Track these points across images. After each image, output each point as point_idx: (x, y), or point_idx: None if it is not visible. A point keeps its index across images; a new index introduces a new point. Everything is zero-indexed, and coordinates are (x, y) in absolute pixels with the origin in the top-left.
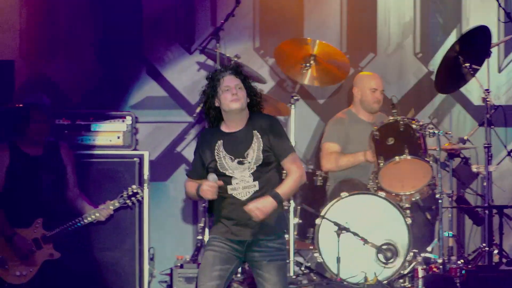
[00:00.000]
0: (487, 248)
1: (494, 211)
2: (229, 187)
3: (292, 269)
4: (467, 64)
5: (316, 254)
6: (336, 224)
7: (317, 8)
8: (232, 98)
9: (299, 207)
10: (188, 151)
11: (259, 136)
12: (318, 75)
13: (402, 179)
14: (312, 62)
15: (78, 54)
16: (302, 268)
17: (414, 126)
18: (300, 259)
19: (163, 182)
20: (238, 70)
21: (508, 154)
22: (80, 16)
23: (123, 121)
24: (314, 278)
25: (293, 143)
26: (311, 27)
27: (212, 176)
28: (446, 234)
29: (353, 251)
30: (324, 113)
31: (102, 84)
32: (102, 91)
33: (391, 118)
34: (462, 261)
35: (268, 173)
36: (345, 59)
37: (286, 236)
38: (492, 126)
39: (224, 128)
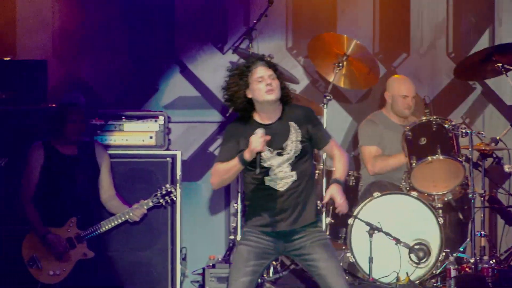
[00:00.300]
0: None
1: None
2: (266, 178)
3: None
4: (500, 64)
5: (348, 254)
6: (368, 224)
7: (350, 7)
8: (266, 89)
9: (331, 207)
10: None
11: (296, 127)
12: (350, 76)
13: (434, 179)
14: (344, 62)
15: (111, 54)
16: None
17: (446, 126)
18: None
19: (196, 182)
20: (268, 61)
21: None
22: (113, 15)
23: (155, 121)
24: (346, 278)
25: None
26: (343, 27)
27: (259, 130)
28: (478, 234)
29: (385, 251)
30: (356, 113)
31: (134, 84)
32: (135, 91)
33: (424, 118)
34: (494, 261)
35: (305, 163)
36: (377, 61)
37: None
38: None
39: (258, 119)
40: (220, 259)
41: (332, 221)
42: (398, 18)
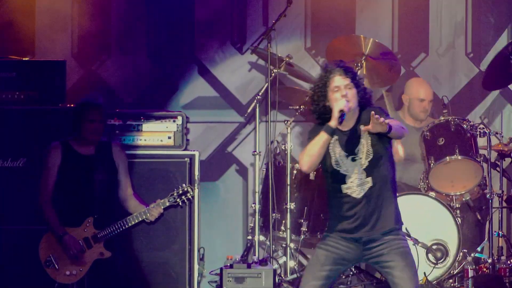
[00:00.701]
0: None
1: None
2: (343, 186)
3: None
4: None
5: None
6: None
7: (368, 7)
8: (341, 99)
9: None
10: (239, 151)
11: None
12: (369, 75)
13: (452, 179)
14: (363, 61)
15: (129, 54)
16: (352, 268)
17: (465, 126)
18: None
19: (214, 182)
20: (346, 70)
21: None
22: (132, 16)
23: (174, 121)
24: (364, 278)
25: None
26: (362, 27)
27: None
28: (496, 234)
29: None
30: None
31: (153, 84)
32: (154, 91)
33: (442, 118)
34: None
35: (381, 167)
36: (397, 60)
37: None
38: None
39: (338, 125)
40: (237, 259)
41: None
42: (417, 18)
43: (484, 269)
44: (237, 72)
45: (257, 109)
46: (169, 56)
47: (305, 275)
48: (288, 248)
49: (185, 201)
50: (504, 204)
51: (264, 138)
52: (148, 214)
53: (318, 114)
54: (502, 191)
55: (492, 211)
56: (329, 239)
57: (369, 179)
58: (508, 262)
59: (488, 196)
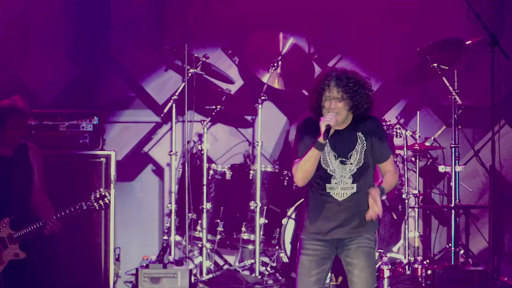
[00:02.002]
0: (453, 248)
1: (461, 211)
2: (328, 185)
3: (258, 269)
4: (435, 64)
5: (282, 254)
6: None
7: (286, 8)
8: (327, 115)
9: (265, 208)
10: (155, 151)
11: (363, 138)
12: (285, 75)
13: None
14: (280, 62)
15: (49, 55)
16: (268, 268)
17: None
18: (266, 259)
19: (130, 182)
20: (341, 80)
21: (475, 154)
22: (51, 18)
23: (90, 121)
24: (280, 278)
25: (259, 143)
26: (280, 27)
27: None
28: (412, 234)
29: None
30: (292, 113)
31: (72, 85)
32: (72, 91)
33: None
34: (427, 261)
35: (366, 177)
36: (312, 61)
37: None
38: (459, 127)
39: None
40: (153, 259)
41: (266, 221)
42: (334, 19)
43: (400, 270)
44: (154, 72)
45: (174, 109)
46: (87, 56)
47: (299, 286)
48: (204, 248)
49: (102, 205)
50: (421, 204)
51: (180, 138)
52: (48, 227)
53: (315, 114)
54: (419, 191)
55: (408, 211)
56: (306, 244)
57: (354, 185)
58: (424, 262)
59: (404, 196)
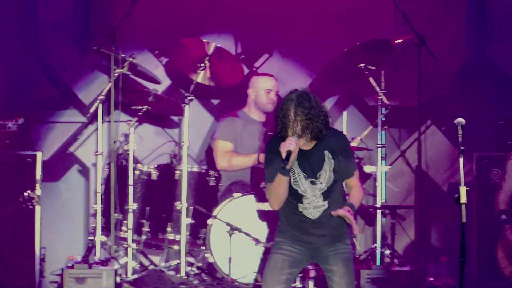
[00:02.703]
0: (379, 249)
1: (387, 211)
2: (300, 205)
3: (183, 269)
4: (362, 65)
5: (207, 255)
6: (228, 224)
7: (213, 10)
8: (287, 142)
9: (191, 208)
10: (81, 151)
11: (330, 156)
12: (213, 75)
13: None
14: (207, 62)
15: None
16: (194, 269)
17: None
18: (192, 259)
19: (56, 183)
20: (299, 105)
21: (402, 154)
22: None
23: (16, 121)
24: (206, 278)
25: (186, 143)
26: (207, 28)
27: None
28: None
29: (244, 252)
30: (218, 113)
31: None
32: None
33: None
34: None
35: (337, 191)
36: (239, 62)
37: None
38: (386, 127)
39: None
40: (79, 259)
41: (192, 221)
42: (262, 20)
43: None
44: (81, 72)
45: (100, 109)
46: (14, 56)
47: (266, 280)
48: (130, 248)
49: (29, 206)
50: None
51: (106, 138)
52: None
53: (281, 136)
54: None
55: None
56: (282, 244)
57: (325, 202)
58: None
59: None
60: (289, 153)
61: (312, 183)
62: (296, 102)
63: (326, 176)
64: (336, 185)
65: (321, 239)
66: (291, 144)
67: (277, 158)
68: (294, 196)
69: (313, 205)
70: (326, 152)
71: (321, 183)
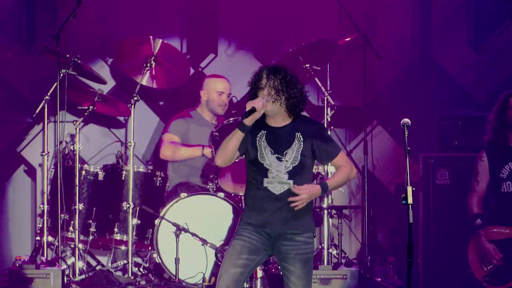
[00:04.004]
0: (326, 249)
1: (334, 211)
2: (265, 179)
3: (130, 270)
4: (308, 65)
5: (154, 255)
6: (174, 224)
7: (156, 9)
8: (262, 102)
9: (138, 208)
10: (27, 151)
11: (302, 139)
12: (159, 76)
13: (242, 180)
14: (152, 62)
15: None
16: (141, 269)
17: None
18: (139, 260)
19: (2, 184)
20: (271, 71)
21: (348, 154)
22: None
23: None
24: (153, 278)
25: (131, 144)
26: (152, 27)
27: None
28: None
29: (192, 252)
30: (164, 114)
31: None
32: None
33: (231, 118)
34: None
35: (303, 176)
36: (186, 61)
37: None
38: (332, 127)
39: (267, 121)
40: (26, 259)
41: (139, 221)
42: (206, 20)
43: (273, 270)
44: (26, 72)
45: (46, 109)
46: None
47: (224, 263)
48: (77, 248)
49: None
50: None
51: (52, 138)
52: None
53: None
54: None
55: None
56: (243, 231)
57: (291, 181)
58: None
59: None
60: (252, 109)
61: (278, 159)
62: (270, 68)
63: (292, 155)
64: (304, 170)
65: (283, 222)
66: (258, 102)
67: (246, 137)
68: (259, 171)
69: (278, 180)
70: (298, 134)
71: (286, 161)
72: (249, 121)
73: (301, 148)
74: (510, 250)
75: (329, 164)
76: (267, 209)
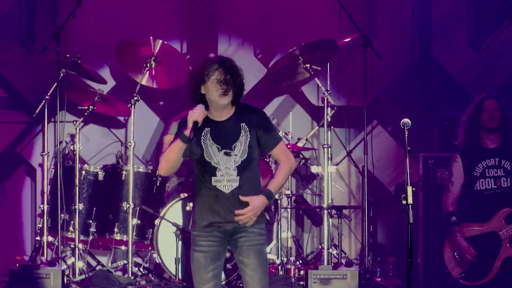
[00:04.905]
0: (326, 249)
1: (333, 211)
2: (213, 178)
3: (130, 269)
4: (308, 65)
5: (154, 255)
6: (175, 225)
7: (157, 8)
8: (221, 93)
9: (138, 208)
10: (28, 151)
11: (247, 129)
12: (159, 76)
13: None
14: (152, 62)
15: None
16: (141, 269)
17: None
18: (139, 260)
19: (2, 184)
20: (227, 64)
21: (348, 154)
22: None
23: None
24: (153, 279)
25: (131, 144)
26: (152, 28)
27: (200, 105)
28: (284, 234)
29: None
30: (164, 114)
31: None
32: None
33: None
34: (300, 261)
35: (251, 170)
36: (186, 61)
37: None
38: (332, 127)
39: (209, 115)
40: (26, 259)
41: (139, 222)
42: (206, 21)
43: (273, 270)
44: (26, 72)
45: (46, 109)
46: None
47: (195, 282)
48: (77, 248)
49: None
50: (293, 204)
51: (52, 138)
52: None
53: (193, 100)
54: (291, 192)
55: (281, 211)
56: (199, 240)
57: (238, 178)
58: (297, 262)
59: (276, 196)
60: (195, 123)
61: (227, 154)
62: (217, 61)
63: (241, 148)
64: (251, 164)
65: (234, 221)
66: (199, 115)
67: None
68: (207, 170)
69: (226, 178)
70: (243, 125)
71: (235, 155)
72: (189, 132)
73: (248, 139)
74: (485, 246)
75: (272, 154)
76: (218, 210)
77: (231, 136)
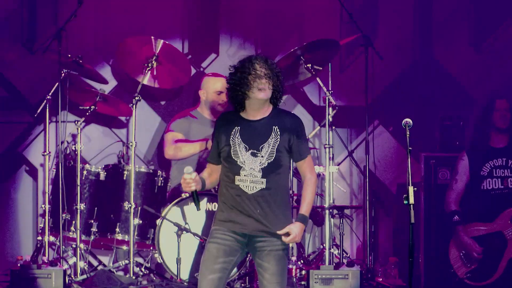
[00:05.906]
0: (328, 249)
1: (335, 211)
2: (237, 177)
3: (132, 269)
4: (309, 65)
5: (156, 255)
6: (176, 224)
7: (159, 7)
8: (260, 87)
9: (140, 208)
10: (29, 151)
11: (278, 133)
12: (160, 76)
13: None
14: (154, 62)
15: None
16: (142, 269)
17: None
18: (140, 260)
19: (4, 183)
20: (268, 61)
21: (349, 154)
22: None
23: None
24: (154, 279)
25: (133, 144)
26: (153, 27)
27: (186, 168)
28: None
29: (193, 252)
30: (165, 113)
31: None
32: None
33: None
34: (302, 261)
35: (279, 175)
36: (187, 61)
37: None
38: (333, 127)
39: (244, 114)
40: (28, 259)
41: (140, 221)
42: (207, 20)
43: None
44: (27, 72)
45: (47, 109)
46: None
47: (201, 270)
48: (78, 248)
49: None
50: (295, 204)
51: (54, 138)
52: None
53: (235, 102)
54: (292, 191)
55: None
56: (216, 233)
57: (264, 180)
58: (298, 262)
59: None
60: (194, 194)
61: (253, 155)
62: (262, 57)
63: (268, 150)
64: (279, 169)
65: (257, 225)
66: (191, 187)
67: (219, 135)
68: (232, 168)
69: (250, 179)
70: (275, 128)
71: (262, 156)
72: (197, 204)
73: (278, 142)
74: (490, 245)
75: (296, 164)
76: (240, 209)
77: (260, 137)
